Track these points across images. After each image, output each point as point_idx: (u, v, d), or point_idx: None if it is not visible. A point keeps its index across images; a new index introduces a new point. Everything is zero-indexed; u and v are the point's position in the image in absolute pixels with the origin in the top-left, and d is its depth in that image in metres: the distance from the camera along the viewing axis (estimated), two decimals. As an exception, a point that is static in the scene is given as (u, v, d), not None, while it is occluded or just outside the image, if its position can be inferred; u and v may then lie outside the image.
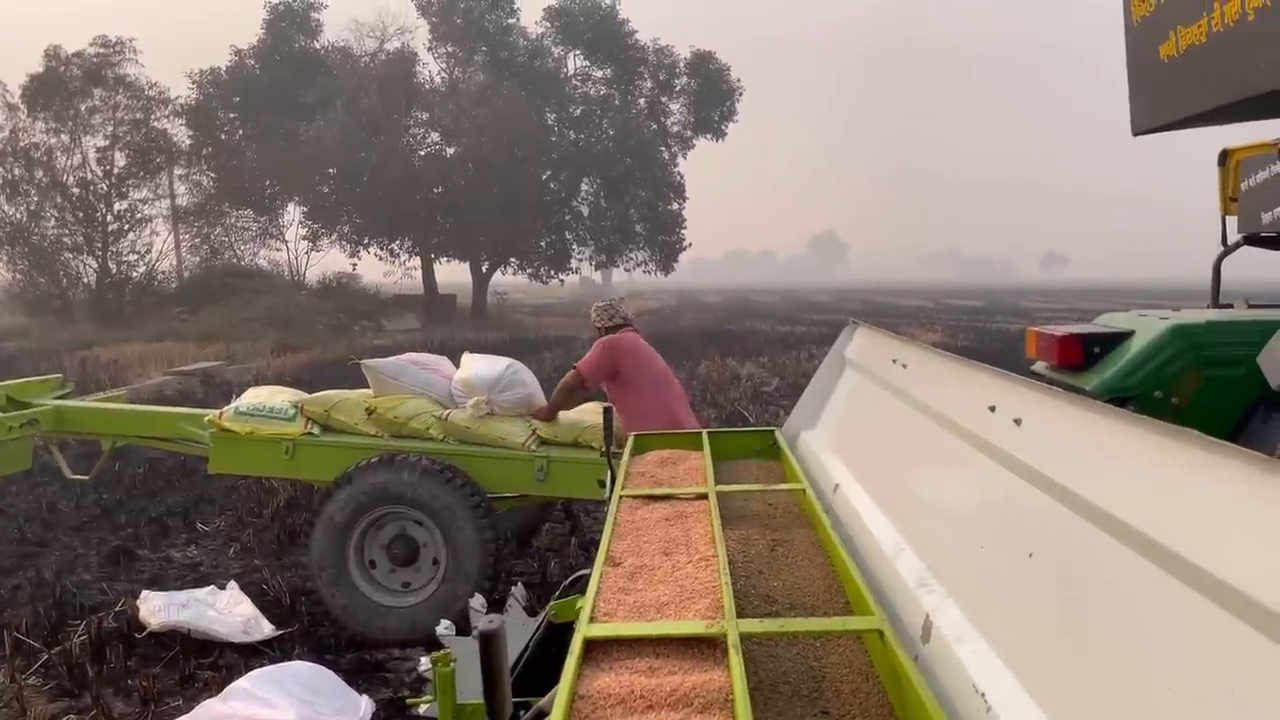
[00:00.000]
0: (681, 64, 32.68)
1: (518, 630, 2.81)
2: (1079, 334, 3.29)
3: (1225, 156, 4.29)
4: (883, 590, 1.81)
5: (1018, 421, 1.50)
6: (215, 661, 4.38)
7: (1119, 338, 3.24)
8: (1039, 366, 3.54)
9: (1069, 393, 1.41)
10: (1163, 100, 2.85)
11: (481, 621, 1.31)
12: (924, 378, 2.21)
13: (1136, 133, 3.01)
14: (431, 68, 32.50)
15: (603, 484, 3.80)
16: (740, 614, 1.63)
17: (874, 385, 2.70)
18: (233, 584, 5.07)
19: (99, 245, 28.83)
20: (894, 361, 2.51)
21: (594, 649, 1.53)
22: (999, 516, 1.53)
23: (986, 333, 25.61)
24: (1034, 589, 1.33)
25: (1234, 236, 4.21)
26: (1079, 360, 3.24)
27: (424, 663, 2.90)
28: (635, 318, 5.51)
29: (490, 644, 1.30)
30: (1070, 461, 1.31)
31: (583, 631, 1.55)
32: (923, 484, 2.07)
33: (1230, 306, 3.98)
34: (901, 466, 2.27)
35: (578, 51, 32.80)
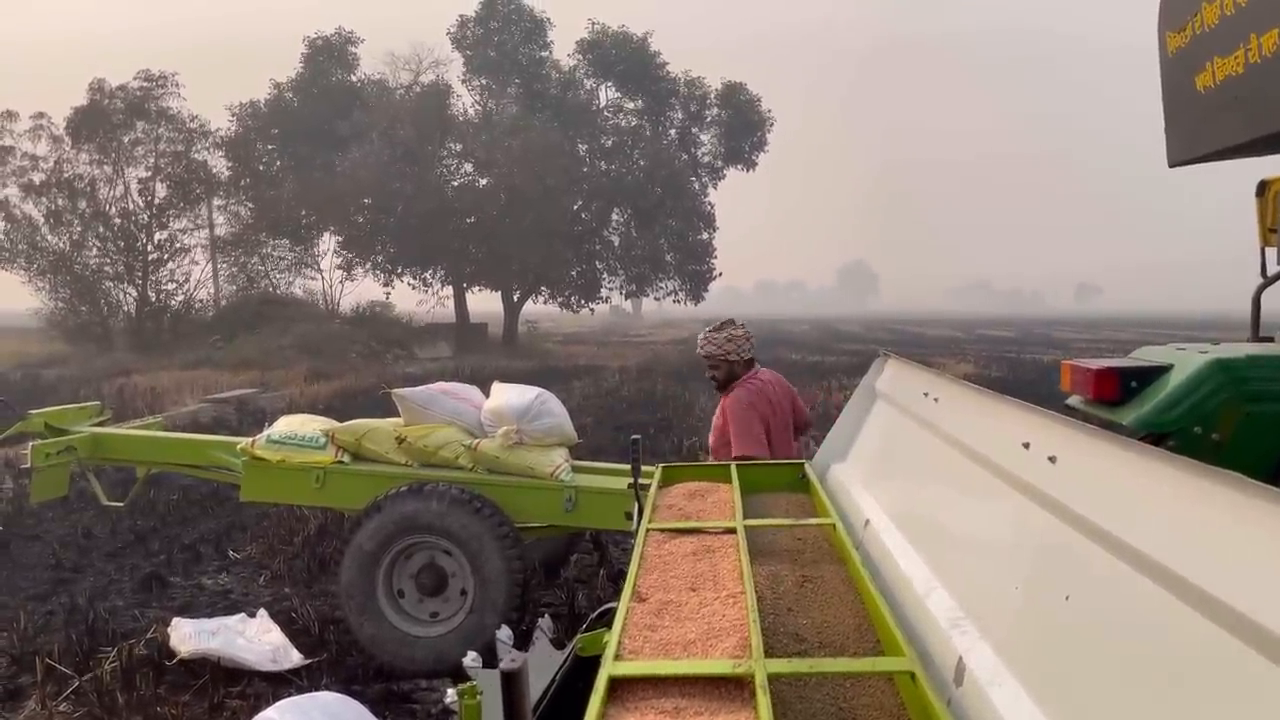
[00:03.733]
0: (712, 95, 32.90)
1: (545, 663, 2.78)
2: (1115, 368, 3.23)
3: (1264, 187, 4.22)
4: (914, 630, 1.77)
5: (1052, 459, 1.47)
6: (244, 690, 4.39)
7: (1157, 372, 3.17)
8: (1074, 400, 3.48)
9: (1105, 431, 1.38)
10: (1199, 132, 2.81)
11: (505, 660, 1.30)
12: (956, 412, 2.18)
13: (1173, 164, 2.98)
14: (465, 100, 33.03)
15: (630, 516, 3.78)
16: (768, 653, 1.60)
17: (905, 418, 2.67)
18: (262, 612, 5.09)
19: (139, 274, 29.44)
20: (925, 395, 2.48)
21: (619, 688, 1.51)
22: (1034, 556, 1.50)
23: (1019, 364, 25.32)
24: (1071, 632, 1.29)
25: (1274, 268, 4.13)
26: (1115, 395, 3.18)
27: (450, 694, 2.88)
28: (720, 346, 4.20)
29: (512, 683, 1.29)
30: (1107, 502, 1.27)
31: (608, 669, 1.52)
32: (955, 520, 2.03)
33: (1271, 340, 3.90)
34: (933, 502, 2.23)
35: (610, 83, 33.15)
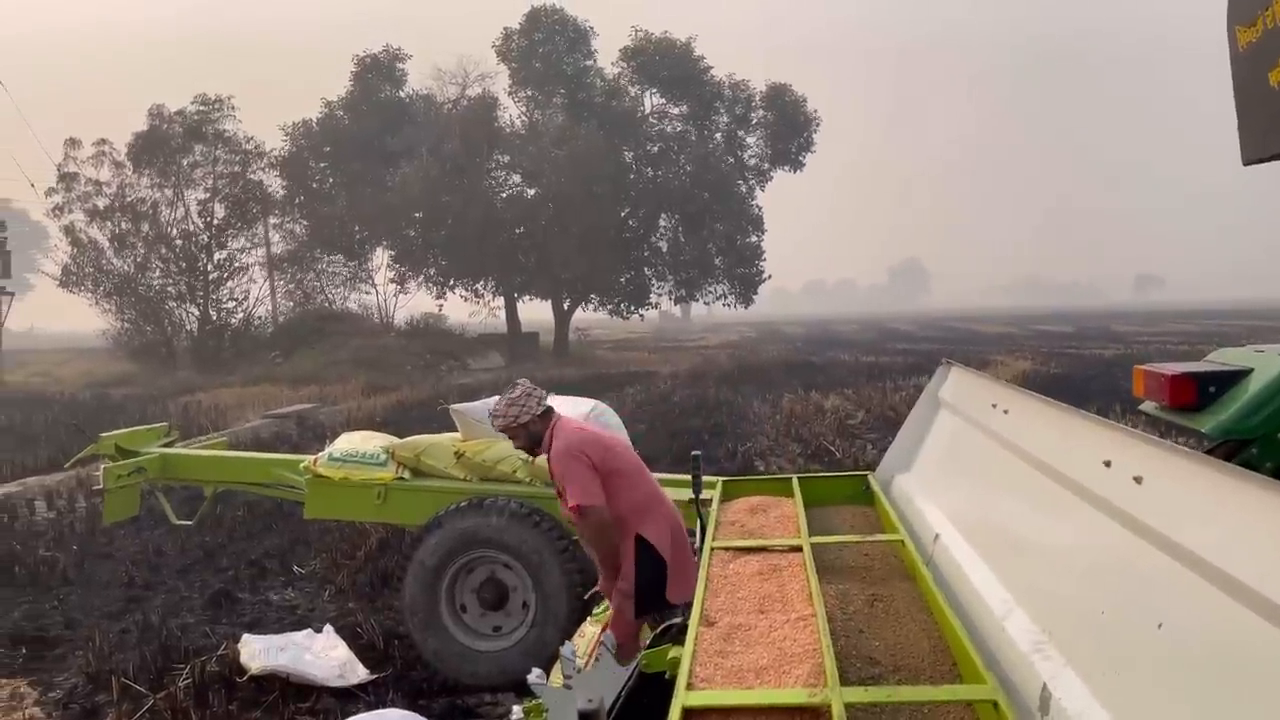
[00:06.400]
0: (758, 97, 32.74)
1: (609, 679, 2.78)
2: (1192, 373, 3.11)
3: None
4: (992, 653, 1.73)
5: (1138, 479, 1.42)
6: (314, 706, 4.45)
7: (1236, 376, 3.05)
8: (1148, 406, 3.35)
9: (1195, 453, 1.33)
10: (1274, 129, 2.71)
11: (582, 700, 1.28)
12: (1028, 425, 2.12)
13: (1247, 162, 2.87)
14: (512, 111, 33.28)
15: (691, 533, 3.76)
16: (841, 677, 1.57)
17: (973, 430, 2.61)
18: (329, 628, 5.16)
19: (200, 293, 30.21)
20: (994, 406, 2.42)
21: (693, 718, 1.49)
22: (1121, 581, 1.44)
23: (1079, 359, 24.75)
24: (1165, 663, 1.24)
25: None
26: (1193, 401, 3.06)
27: (516, 711, 2.89)
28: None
29: (590, 721, 1.28)
30: (1201, 527, 1.22)
31: (680, 700, 1.51)
32: (1032, 539, 1.98)
33: None
34: (1006, 518, 2.17)
35: (654, 90, 33.13)
